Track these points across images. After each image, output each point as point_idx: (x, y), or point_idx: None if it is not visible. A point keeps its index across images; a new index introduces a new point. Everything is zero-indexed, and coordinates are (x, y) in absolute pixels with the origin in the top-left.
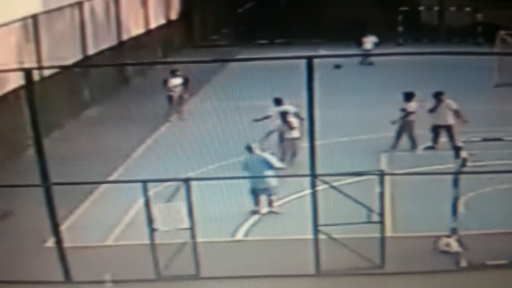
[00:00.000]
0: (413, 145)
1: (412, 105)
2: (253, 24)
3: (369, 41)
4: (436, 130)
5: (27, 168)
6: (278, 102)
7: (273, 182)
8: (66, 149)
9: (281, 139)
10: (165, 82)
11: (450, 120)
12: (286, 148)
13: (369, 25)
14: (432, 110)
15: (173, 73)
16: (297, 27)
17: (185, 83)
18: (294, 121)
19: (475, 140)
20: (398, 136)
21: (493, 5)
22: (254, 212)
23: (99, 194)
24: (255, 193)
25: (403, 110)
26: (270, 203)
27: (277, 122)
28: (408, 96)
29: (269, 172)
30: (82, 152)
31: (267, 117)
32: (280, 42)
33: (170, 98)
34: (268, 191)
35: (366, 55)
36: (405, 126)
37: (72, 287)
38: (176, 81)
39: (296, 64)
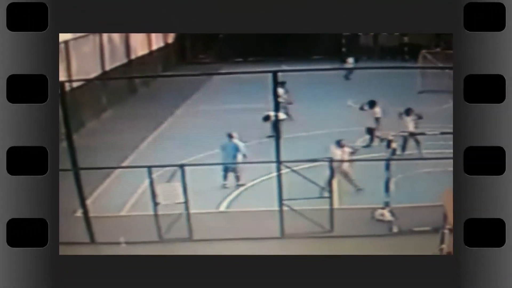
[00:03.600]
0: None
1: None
2: (232, 44)
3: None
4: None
5: (61, 156)
6: None
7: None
8: (90, 142)
9: None
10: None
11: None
12: None
13: (320, 47)
14: None
15: (281, 84)
16: (267, 47)
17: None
18: None
19: (404, 134)
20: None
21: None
22: (224, 186)
23: (114, 176)
24: (226, 170)
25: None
26: (238, 178)
27: None
28: (371, 104)
29: (238, 155)
30: (102, 144)
31: None
32: (253, 60)
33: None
34: (235, 170)
35: (323, 70)
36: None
37: (96, 247)
38: (283, 90)
39: (264, 76)
